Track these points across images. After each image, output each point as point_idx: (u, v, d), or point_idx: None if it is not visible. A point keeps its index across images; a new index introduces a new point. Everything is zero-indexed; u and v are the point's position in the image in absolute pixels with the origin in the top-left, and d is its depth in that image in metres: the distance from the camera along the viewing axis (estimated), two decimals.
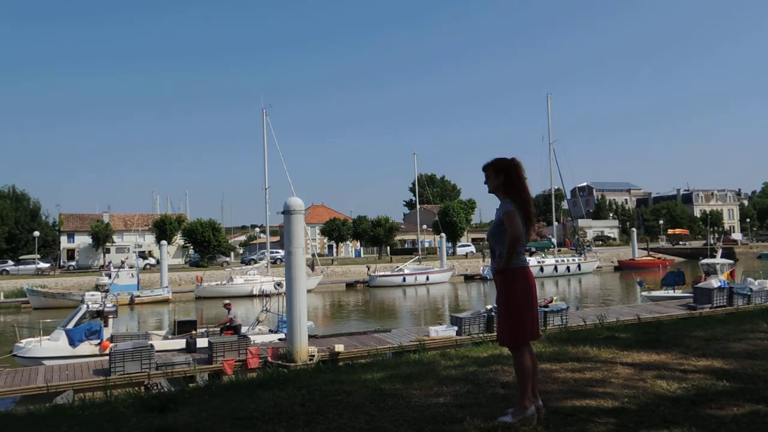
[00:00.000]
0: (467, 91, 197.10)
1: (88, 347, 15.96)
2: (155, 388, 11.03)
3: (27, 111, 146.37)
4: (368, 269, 49.72)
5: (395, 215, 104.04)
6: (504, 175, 3.55)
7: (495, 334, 3.71)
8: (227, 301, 19.67)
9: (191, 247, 63.43)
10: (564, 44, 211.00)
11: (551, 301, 19.35)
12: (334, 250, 76.45)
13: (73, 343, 15.99)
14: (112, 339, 16.10)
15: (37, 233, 56.38)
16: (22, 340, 16.87)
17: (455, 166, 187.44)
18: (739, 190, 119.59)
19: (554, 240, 57.84)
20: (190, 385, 10.04)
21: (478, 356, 6.06)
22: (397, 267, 49.26)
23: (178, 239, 65.20)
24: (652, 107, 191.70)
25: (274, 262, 48.48)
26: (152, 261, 60.17)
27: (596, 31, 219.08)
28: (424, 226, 70.63)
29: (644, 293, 27.06)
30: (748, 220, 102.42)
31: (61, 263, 64.08)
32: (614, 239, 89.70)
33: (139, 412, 4.47)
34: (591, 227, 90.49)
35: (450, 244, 63.80)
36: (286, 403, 4.27)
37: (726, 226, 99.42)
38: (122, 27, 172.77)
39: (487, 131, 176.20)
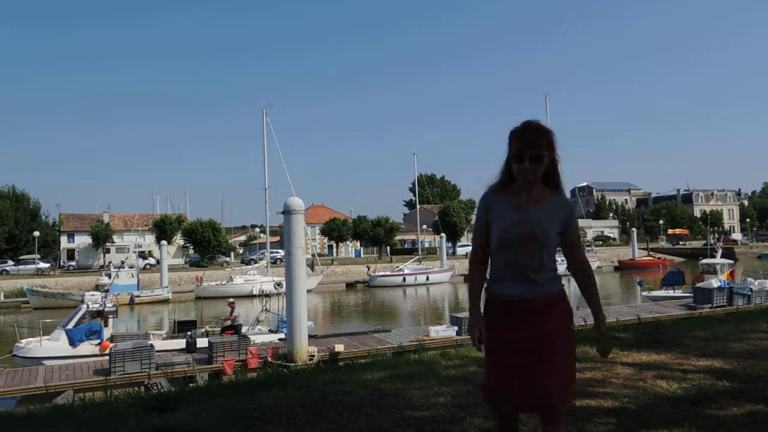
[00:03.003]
0: (467, 91, 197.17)
1: (88, 347, 15.96)
2: (155, 388, 11.05)
3: (27, 111, 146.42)
4: (368, 269, 49.70)
5: (395, 215, 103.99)
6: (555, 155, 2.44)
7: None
8: (231, 300, 19.70)
9: (191, 247, 63.40)
10: (564, 44, 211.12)
11: None
12: (334, 250, 76.45)
13: (73, 343, 15.99)
14: (112, 339, 16.10)
15: (37, 233, 56.36)
16: (22, 340, 16.87)
17: (455, 166, 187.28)
18: (739, 190, 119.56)
19: None
20: (190, 385, 10.05)
21: (478, 356, 6.06)
22: (397, 267, 49.26)
23: (178, 239, 65.17)
24: (653, 107, 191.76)
25: (274, 262, 48.45)
26: (152, 261, 60.15)
27: (596, 30, 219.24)
28: (424, 226, 70.61)
29: (644, 293, 27.07)
30: (748, 220, 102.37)
31: (61, 263, 64.06)
32: (614, 239, 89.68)
33: (139, 412, 4.47)
34: (591, 227, 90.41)
35: (450, 244, 63.77)
36: (286, 403, 4.27)
37: (726, 226, 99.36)
38: (123, 27, 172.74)
39: (487, 131, 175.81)
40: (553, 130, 2.42)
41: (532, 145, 2.34)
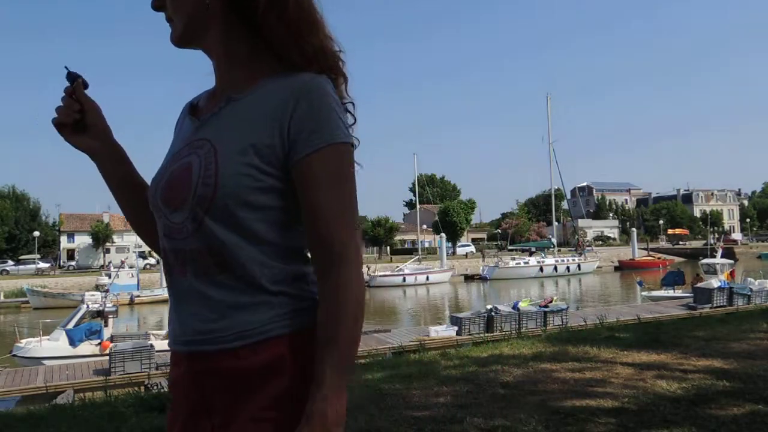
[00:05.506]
0: (467, 91, 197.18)
1: (88, 347, 15.96)
2: (155, 388, 11.04)
3: (27, 110, 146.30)
4: (368, 269, 49.70)
5: (395, 215, 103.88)
6: None
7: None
8: None
9: None
10: (563, 44, 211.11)
11: (551, 301, 19.32)
12: None
13: (73, 343, 16.00)
14: (112, 339, 16.10)
15: (37, 233, 56.41)
16: (22, 340, 16.86)
17: (455, 166, 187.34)
18: (739, 190, 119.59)
19: (554, 240, 57.89)
20: None
21: (478, 356, 6.06)
22: (397, 267, 49.27)
23: None
24: (653, 106, 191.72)
25: None
26: (152, 261, 60.13)
27: (596, 29, 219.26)
28: (424, 226, 70.68)
29: (644, 293, 27.05)
30: (748, 220, 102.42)
31: (61, 263, 64.07)
32: (614, 239, 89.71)
33: (139, 412, 4.47)
34: (591, 227, 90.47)
35: (450, 244, 63.79)
36: None
37: (726, 226, 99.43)
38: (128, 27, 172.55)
39: (487, 131, 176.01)
40: None
41: None
